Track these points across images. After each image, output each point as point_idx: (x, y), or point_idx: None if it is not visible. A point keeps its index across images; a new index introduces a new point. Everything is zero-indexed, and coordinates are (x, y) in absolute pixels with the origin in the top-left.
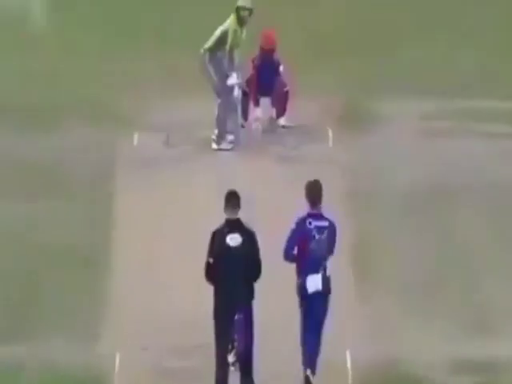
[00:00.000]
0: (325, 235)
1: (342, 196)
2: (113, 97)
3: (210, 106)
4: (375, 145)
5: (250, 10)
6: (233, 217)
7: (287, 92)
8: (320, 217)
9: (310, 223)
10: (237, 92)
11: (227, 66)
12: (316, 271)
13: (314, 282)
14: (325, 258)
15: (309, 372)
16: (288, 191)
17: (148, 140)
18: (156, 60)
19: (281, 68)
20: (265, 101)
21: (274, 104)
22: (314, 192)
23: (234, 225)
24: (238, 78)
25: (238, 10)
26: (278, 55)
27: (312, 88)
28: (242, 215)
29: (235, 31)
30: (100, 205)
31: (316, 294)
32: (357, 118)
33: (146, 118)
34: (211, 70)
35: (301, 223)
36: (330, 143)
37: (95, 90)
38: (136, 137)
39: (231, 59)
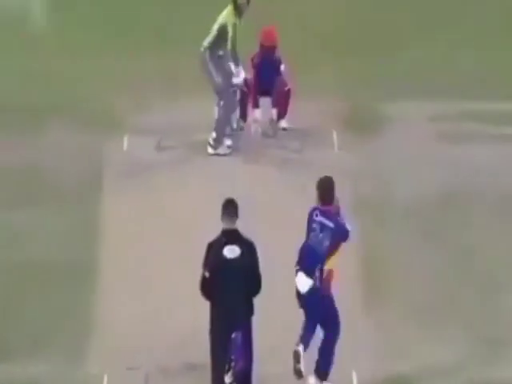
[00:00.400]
0: (325, 235)
1: (350, 204)
2: (111, 97)
3: (209, 108)
4: (383, 149)
5: None
6: (230, 227)
7: (288, 91)
8: (329, 215)
9: (316, 215)
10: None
11: (231, 63)
12: (310, 266)
13: (301, 283)
14: (320, 258)
15: (301, 348)
16: (290, 198)
17: (140, 143)
18: (156, 60)
19: (282, 67)
20: (265, 102)
21: (274, 105)
22: (322, 189)
23: (231, 235)
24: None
25: None
26: (280, 53)
27: (314, 88)
28: (241, 224)
29: (234, 24)
30: (88, 211)
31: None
32: (361, 120)
33: (141, 120)
34: (212, 68)
35: (311, 212)
36: (336, 147)
37: (94, 90)
38: (126, 140)
39: (234, 56)
